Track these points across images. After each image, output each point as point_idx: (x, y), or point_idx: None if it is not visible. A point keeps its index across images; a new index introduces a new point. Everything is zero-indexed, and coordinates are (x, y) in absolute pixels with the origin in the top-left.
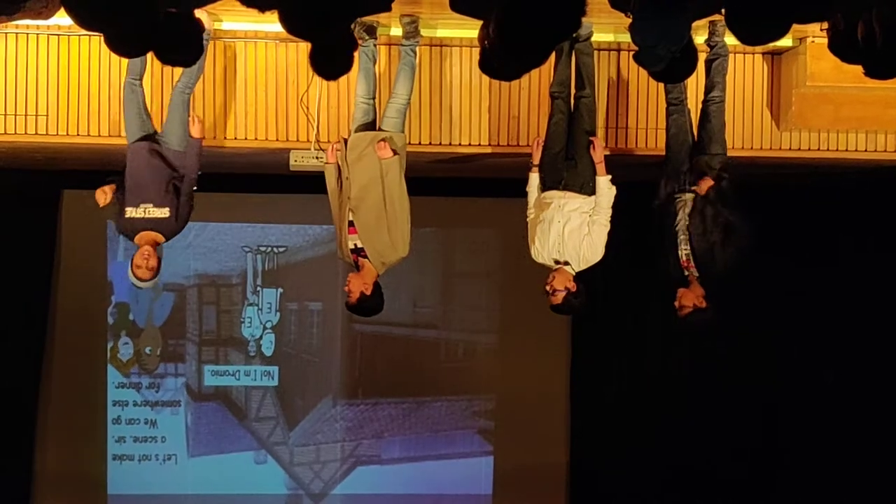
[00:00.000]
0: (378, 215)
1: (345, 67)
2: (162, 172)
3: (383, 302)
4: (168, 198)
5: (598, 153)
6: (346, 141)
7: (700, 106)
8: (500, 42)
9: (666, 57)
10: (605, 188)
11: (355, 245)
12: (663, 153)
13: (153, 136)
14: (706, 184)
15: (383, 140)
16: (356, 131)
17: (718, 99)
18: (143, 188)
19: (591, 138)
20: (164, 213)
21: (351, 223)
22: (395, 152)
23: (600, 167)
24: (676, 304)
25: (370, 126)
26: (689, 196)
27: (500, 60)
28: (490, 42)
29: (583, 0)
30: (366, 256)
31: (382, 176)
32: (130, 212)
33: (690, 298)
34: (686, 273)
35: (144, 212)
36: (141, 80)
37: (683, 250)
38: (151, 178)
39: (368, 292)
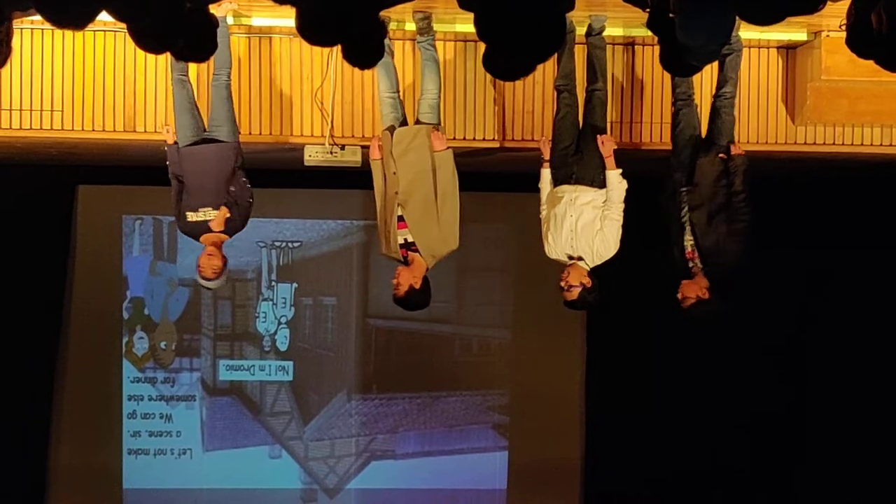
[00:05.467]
0: (427, 208)
1: (378, 55)
2: (215, 173)
3: (430, 296)
4: (224, 197)
5: (607, 148)
6: (390, 135)
7: (711, 101)
8: (496, 43)
9: (716, 53)
10: (616, 182)
11: (405, 240)
12: (671, 147)
13: (203, 136)
14: (738, 149)
15: (436, 129)
16: (395, 126)
17: (730, 95)
18: (200, 192)
19: (600, 136)
20: (224, 213)
21: (400, 218)
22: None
23: (609, 161)
24: (679, 295)
25: (402, 121)
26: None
27: (500, 58)
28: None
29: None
30: (416, 250)
31: (434, 168)
32: (191, 216)
33: (693, 290)
34: (690, 265)
35: (204, 215)
36: (187, 74)
37: (688, 241)
38: (207, 180)
39: (418, 286)
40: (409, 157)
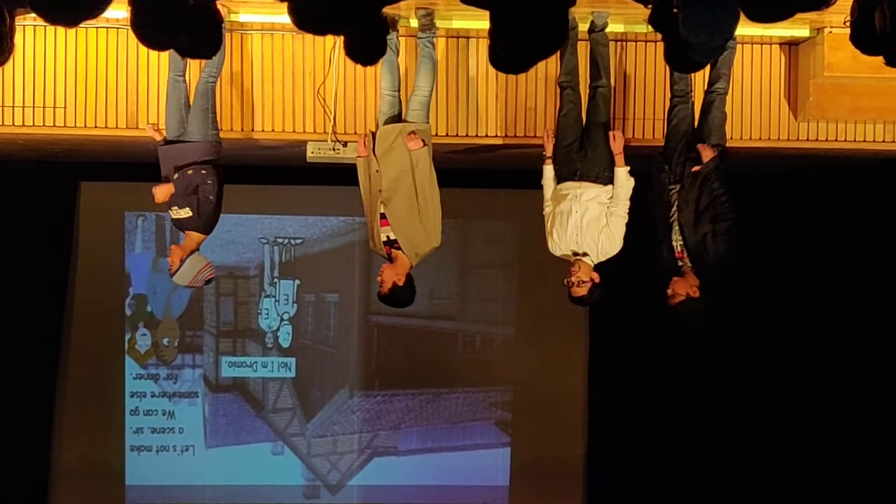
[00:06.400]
0: (409, 206)
1: (380, 52)
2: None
3: (415, 294)
4: (188, 198)
5: (618, 144)
6: (374, 134)
7: (703, 96)
8: (500, 39)
9: (720, 48)
10: (624, 179)
11: (388, 237)
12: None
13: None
14: (707, 153)
15: (412, 132)
16: (384, 124)
17: (722, 91)
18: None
19: (612, 132)
20: (187, 212)
21: (383, 215)
22: (424, 143)
23: (619, 158)
24: (669, 291)
25: (397, 118)
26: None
27: (505, 53)
28: (492, 36)
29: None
30: (399, 248)
31: (413, 167)
32: (171, 213)
33: (683, 287)
34: (680, 264)
35: (174, 213)
36: (184, 75)
37: (677, 241)
38: (175, 180)
39: (401, 283)
40: (392, 155)
